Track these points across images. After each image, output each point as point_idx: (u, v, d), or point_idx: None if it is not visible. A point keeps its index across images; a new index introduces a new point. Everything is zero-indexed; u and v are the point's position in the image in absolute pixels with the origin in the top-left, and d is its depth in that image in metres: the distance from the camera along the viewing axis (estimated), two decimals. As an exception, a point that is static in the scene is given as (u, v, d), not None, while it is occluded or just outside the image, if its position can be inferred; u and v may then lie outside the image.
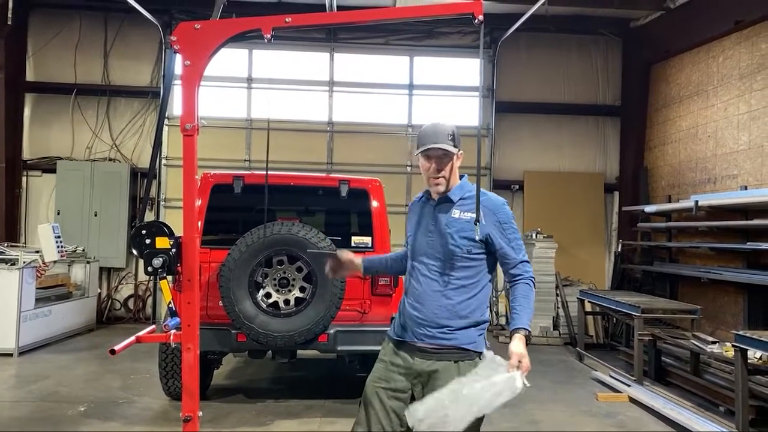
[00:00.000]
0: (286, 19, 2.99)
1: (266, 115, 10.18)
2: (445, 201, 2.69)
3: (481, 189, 2.63)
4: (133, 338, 3.00)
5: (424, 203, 2.80)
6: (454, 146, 2.63)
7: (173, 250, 3.03)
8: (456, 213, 2.65)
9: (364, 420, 2.62)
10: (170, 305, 3.15)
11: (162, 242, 3.02)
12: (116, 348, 2.87)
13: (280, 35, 3.11)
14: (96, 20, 10.20)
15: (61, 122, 10.15)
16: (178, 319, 3.02)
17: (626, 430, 5.27)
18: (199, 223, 5.17)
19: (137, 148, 10.22)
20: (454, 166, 2.67)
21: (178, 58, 2.99)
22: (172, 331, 2.99)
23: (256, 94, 10.44)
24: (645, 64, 10.10)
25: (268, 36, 2.99)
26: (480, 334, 2.64)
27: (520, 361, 2.41)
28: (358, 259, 2.96)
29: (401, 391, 2.60)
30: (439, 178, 2.64)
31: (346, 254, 2.95)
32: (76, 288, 8.82)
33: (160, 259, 3.01)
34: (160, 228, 3.09)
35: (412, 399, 2.59)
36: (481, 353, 2.59)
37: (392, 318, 2.85)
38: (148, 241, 3.05)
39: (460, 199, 2.68)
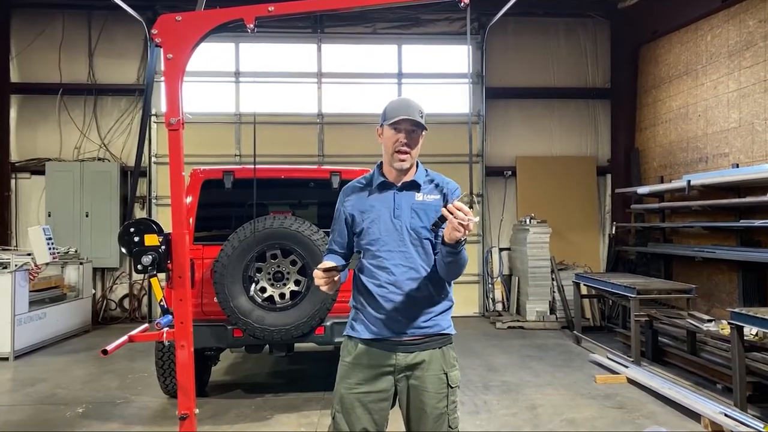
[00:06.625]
0: (269, 8, 2.94)
1: (255, 109, 10.11)
2: (411, 185, 2.53)
3: (437, 173, 2.59)
4: (125, 338, 2.97)
5: (376, 189, 2.55)
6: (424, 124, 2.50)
7: (162, 247, 2.99)
8: (420, 196, 2.52)
9: (346, 428, 2.44)
10: (161, 303, 3.12)
11: (151, 239, 2.98)
12: (108, 348, 2.84)
13: (265, 25, 3.07)
14: (79, 19, 10.08)
15: (48, 123, 10.05)
16: (170, 317, 2.99)
17: (626, 410, 5.29)
18: (191, 220, 5.13)
19: (126, 147, 10.14)
20: (419, 145, 2.53)
21: (160, 51, 2.94)
22: (165, 329, 2.95)
23: (244, 88, 10.37)
24: (633, 45, 10.07)
25: (251, 26, 2.94)
26: (450, 315, 2.57)
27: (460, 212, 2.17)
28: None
29: (384, 392, 2.46)
30: (405, 152, 2.48)
31: None
32: (70, 289, 8.77)
33: (150, 256, 2.98)
34: (148, 225, 3.04)
35: (394, 395, 2.51)
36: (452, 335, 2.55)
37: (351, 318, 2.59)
38: (136, 239, 3.01)
39: (424, 182, 2.56)
